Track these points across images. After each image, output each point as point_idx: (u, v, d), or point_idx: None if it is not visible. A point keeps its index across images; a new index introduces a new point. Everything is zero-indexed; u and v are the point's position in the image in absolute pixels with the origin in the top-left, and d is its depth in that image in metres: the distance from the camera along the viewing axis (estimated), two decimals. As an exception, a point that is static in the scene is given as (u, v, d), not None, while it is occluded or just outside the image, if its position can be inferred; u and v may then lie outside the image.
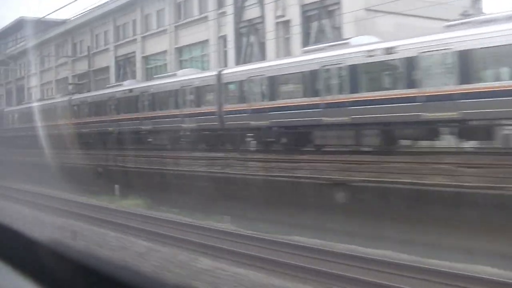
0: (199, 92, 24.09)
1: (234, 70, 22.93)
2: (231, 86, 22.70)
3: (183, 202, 15.98)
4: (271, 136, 21.01)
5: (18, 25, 57.08)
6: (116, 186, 18.53)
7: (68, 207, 16.94)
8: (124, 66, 39.35)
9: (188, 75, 25.66)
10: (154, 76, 28.96)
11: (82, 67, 43.39)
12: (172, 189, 16.90)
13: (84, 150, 31.39)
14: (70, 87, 44.26)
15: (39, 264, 2.05)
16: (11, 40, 55.68)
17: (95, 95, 32.89)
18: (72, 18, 44.88)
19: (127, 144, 29.62)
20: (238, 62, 28.73)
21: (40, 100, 44.43)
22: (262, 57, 27.66)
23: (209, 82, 23.58)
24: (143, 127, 27.73)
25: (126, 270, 1.98)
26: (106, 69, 41.85)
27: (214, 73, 23.68)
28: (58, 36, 48.89)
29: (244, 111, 21.71)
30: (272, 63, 21.52)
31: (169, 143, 26.48)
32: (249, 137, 22.79)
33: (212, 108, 23.26)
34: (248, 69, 21.93)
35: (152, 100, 27.04)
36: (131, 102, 28.90)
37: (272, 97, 20.63)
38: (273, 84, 20.59)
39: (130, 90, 28.85)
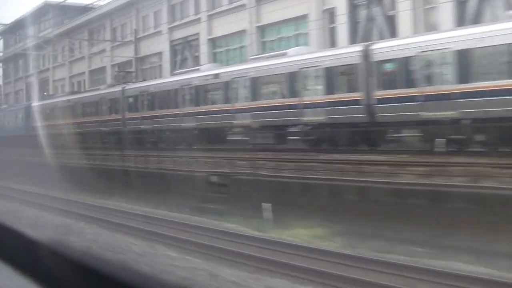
0: (330, 74, 18.21)
1: (392, 44, 17.02)
2: (388, 66, 16.81)
3: (407, 232, 10.11)
4: (459, 132, 15.18)
5: (42, 12, 51.34)
6: (267, 205, 12.60)
7: (208, 239, 11.17)
8: (183, 51, 33.44)
9: (307, 54, 19.82)
10: (251, 57, 23.00)
11: (125, 54, 37.50)
12: (375, 211, 11.04)
13: (150, 151, 25.60)
14: (112, 76, 38.43)
15: (39, 264, 2.02)
16: (38, 23, 49.77)
17: (161, 83, 26.98)
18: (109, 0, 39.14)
19: (210, 143, 23.92)
20: (353, 40, 22.94)
21: (77, 92, 38.52)
22: (391, 33, 21.80)
23: (349, 61, 17.71)
24: (236, 122, 21.85)
25: (126, 270, 1.92)
26: (157, 55, 35.98)
27: (358, 49, 17.78)
28: (92, 21, 43.01)
29: (411, 99, 15.87)
30: (466, 31, 15.59)
31: (276, 141, 20.64)
32: (410, 133, 17.10)
33: (355, 95, 17.41)
34: (420, 42, 16.03)
35: (252, 87, 21.15)
36: (217, 90, 23.06)
37: (466, 79, 14.77)
38: (467, 60, 14.72)
39: (216, 75, 22.95)
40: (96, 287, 1.88)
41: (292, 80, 19.47)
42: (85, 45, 44.39)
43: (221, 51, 30.85)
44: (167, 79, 27.01)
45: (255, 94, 21.05)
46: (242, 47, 29.26)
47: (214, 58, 30.61)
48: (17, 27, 53.35)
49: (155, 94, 26.81)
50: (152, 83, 27.87)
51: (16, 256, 2.14)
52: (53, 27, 49.19)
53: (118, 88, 30.29)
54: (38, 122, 40.40)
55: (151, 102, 27.03)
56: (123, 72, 34.33)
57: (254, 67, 21.27)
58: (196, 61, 31.82)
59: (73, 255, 2.12)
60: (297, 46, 25.00)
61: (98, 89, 33.41)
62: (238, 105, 21.72)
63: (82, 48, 45.33)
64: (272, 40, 27.54)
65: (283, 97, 20.00)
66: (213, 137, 24.36)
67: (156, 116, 26.48)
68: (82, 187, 21.49)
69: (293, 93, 19.45)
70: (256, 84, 21.00)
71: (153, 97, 26.91)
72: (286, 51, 21.28)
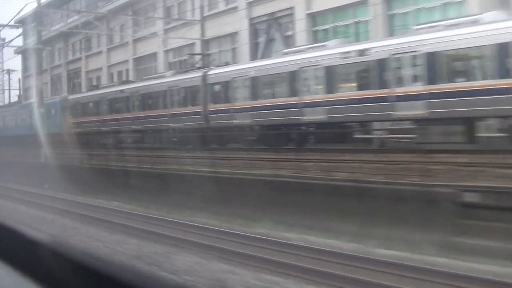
0: None
1: None
2: None
3: None
4: None
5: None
6: None
7: None
8: (268, 31, 27.84)
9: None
10: (416, 28, 17.34)
11: (184, 37, 31.81)
12: None
13: (251, 151, 20.14)
14: (165, 63, 32.89)
15: (39, 264, 2.03)
16: (66, 6, 44.23)
17: (267, 65, 21.36)
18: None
19: (335, 142, 18.69)
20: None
21: (129, 81, 32.92)
22: None
23: None
24: (398, 113, 16.35)
25: (126, 270, 1.90)
26: (229, 36, 30.40)
27: None
28: (139, 1, 37.32)
29: None
30: None
31: (465, 139, 15.18)
32: None
33: None
34: None
35: (427, 66, 15.65)
36: (363, 72, 17.63)
37: None
38: None
39: (361, 52, 17.41)
40: (96, 287, 1.87)
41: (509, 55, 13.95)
42: (127, 27, 38.64)
43: (325, 29, 25.24)
44: (277, 60, 21.40)
45: (433, 75, 15.54)
46: (357, 22, 23.69)
47: (315, 37, 25.08)
48: (40, 14, 47.65)
49: (257, 80, 21.26)
50: (252, 66, 22.28)
51: (16, 256, 2.12)
52: (85, 11, 43.58)
53: (196, 74, 24.73)
54: (78, 118, 34.90)
55: (252, 89, 21.48)
56: (196, 56, 28.70)
57: (430, 39, 15.71)
58: (289, 42, 26.31)
59: (73, 255, 2.05)
60: (443, 18, 19.38)
61: (163, 77, 27.84)
62: (403, 91, 16.22)
63: (124, 33, 39.65)
64: (405, 13, 21.97)
65: (488, 78, 14.50)
66: (340, 134, 19.11)
67: (260, 108, 20.94)
68: (191, 204, 16.00)
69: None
70: (435, 62, 15.48)
71: (255, 84, 21.36)
72: (478, 16, 15.75)
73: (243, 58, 28.43)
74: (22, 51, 56.67)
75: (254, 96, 21.40)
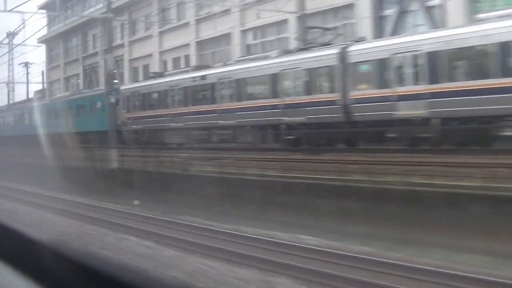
0: None
1: None
2: None
3: None
4: None
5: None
6: None
7: None
8: (401, 2, 22.49)
9: None
10: None
11: (265, 14, 26.36)
12: None
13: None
14: (242, 45, 27.51)
15: (39, 264, 2.05)
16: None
17: (452, 36, 15.96)
18: None
19: None
20: None
21: (206, 66, 27.48)
22: None
23: None
24: None
25: (126, 270, 1.92)
26: (332, 11, 25.06)
27: None
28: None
29: None
30: None
31: None
32: None
33: None
34: None
35: None
36: None
37: None
38: None
39: None
40: (96, 287, 1.87)
41: None
42: (187, 7, 33.22)
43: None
44: (471, 28, 15.92)
45: None
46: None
47: (473, 6, 19.85)
48: None
49: (439, 56, 15.96)
50: (427, 37, 16.81)
51: (16, 256, 2.12)
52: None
53: (329, 52, 19.39)
54: (135, 112, 29.52)
55: (429, 69, 16.17)
56: (318, 29, 23.31)
57: None
58: (432, 13, 21.04)
59: (73, 255, 2.08)
60: None
61: (267, 58, 22.45)
62: None
63: (181, 14, 34.25)
64: None
65: None
66: None
67: (445, 94, 15.67)
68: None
69: None
70: None
71: (434, 61, 16.05)
72: None
73: (362, 35, 23.13)
74: (46, 40, 51.30)
75: (434, 78, 16.10)
